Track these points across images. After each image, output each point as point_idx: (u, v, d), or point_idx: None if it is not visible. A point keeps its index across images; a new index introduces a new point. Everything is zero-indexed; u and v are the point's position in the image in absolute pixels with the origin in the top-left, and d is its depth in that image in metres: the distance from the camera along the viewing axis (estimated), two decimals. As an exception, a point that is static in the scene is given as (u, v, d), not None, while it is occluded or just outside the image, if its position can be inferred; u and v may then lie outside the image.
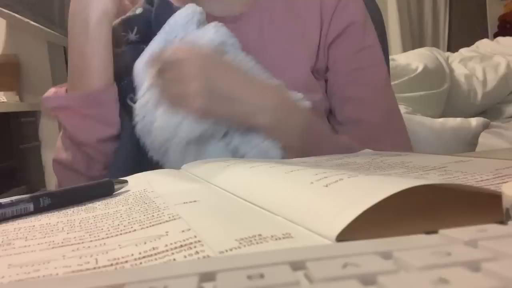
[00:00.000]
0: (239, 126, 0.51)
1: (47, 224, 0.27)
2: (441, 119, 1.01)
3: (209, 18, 0.63)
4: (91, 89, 0.54)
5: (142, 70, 0.57)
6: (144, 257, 0.19)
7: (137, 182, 0.39)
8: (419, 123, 0.99)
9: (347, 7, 0.66)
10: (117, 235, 0.22)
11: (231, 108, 0.49)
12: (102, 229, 0.24)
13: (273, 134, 0.51)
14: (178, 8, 0.59)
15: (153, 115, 0.52)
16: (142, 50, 0.58)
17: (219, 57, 0.53)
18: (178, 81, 0.49)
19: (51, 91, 0.58)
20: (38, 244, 0.22)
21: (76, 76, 0.56)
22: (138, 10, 0.60)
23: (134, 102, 0.56)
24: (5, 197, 0.31)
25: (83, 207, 0.31)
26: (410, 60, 1.74)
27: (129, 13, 0.60)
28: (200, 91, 0.47)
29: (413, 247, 0.14)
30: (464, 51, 2.15)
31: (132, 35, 0.59)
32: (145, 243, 0.20)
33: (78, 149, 0.57)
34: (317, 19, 0.65)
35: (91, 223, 0.26)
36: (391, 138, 0.64)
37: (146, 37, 0.59)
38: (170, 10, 0.59)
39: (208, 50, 0.53)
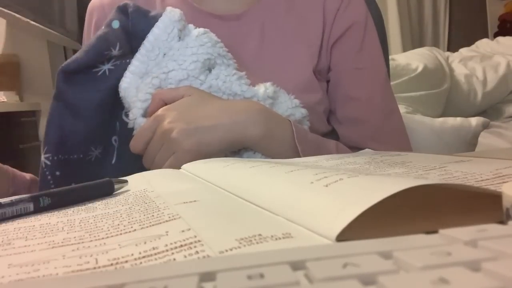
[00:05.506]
0: (234, 147, 0.50)
1: (47, 224, 0.27)
2: (441, 119, 1.01)
3: (211, 16, 0.63)
4: None
5: (128, 89, 0.56)
6: (144, 257, 0.19)
7: (137, 182, 0.39)
8: (419, 122, 0.99)
9: (350, 7, 0.66)
10: (117, 235, 0.22)
11: (218, 134, 0.48)
12: (102, 229, 0.24)
13: (263, 146, 0.50)
14: (153, 17, 0.57)
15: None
16: (128, 64, 0.57)
17: (190, 99, 0.51)
18: (161, 138, 0.49)
19: None
20: (38, 244, 0.22)
21: None
22: (115, 24, 0.57)
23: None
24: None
25: (83, 207, 0.31)
26: (410, 60, 1.75)
27: (104, 28, 0.58)
28: (181, 134, 0.47)
29: (413, 247, 0.14)
30: (464, 51, 2.16)
31: (116, 51, 0.57)
32: (145, 243, 0.20)
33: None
34: (319, 20, 0.65)
35: (91, 223, 0.26)
36: (390, 138, 0.65)
37: (128, 50, 0.58)
38: (146, 19, 0.58)
39: (179, 93, 0.52)
